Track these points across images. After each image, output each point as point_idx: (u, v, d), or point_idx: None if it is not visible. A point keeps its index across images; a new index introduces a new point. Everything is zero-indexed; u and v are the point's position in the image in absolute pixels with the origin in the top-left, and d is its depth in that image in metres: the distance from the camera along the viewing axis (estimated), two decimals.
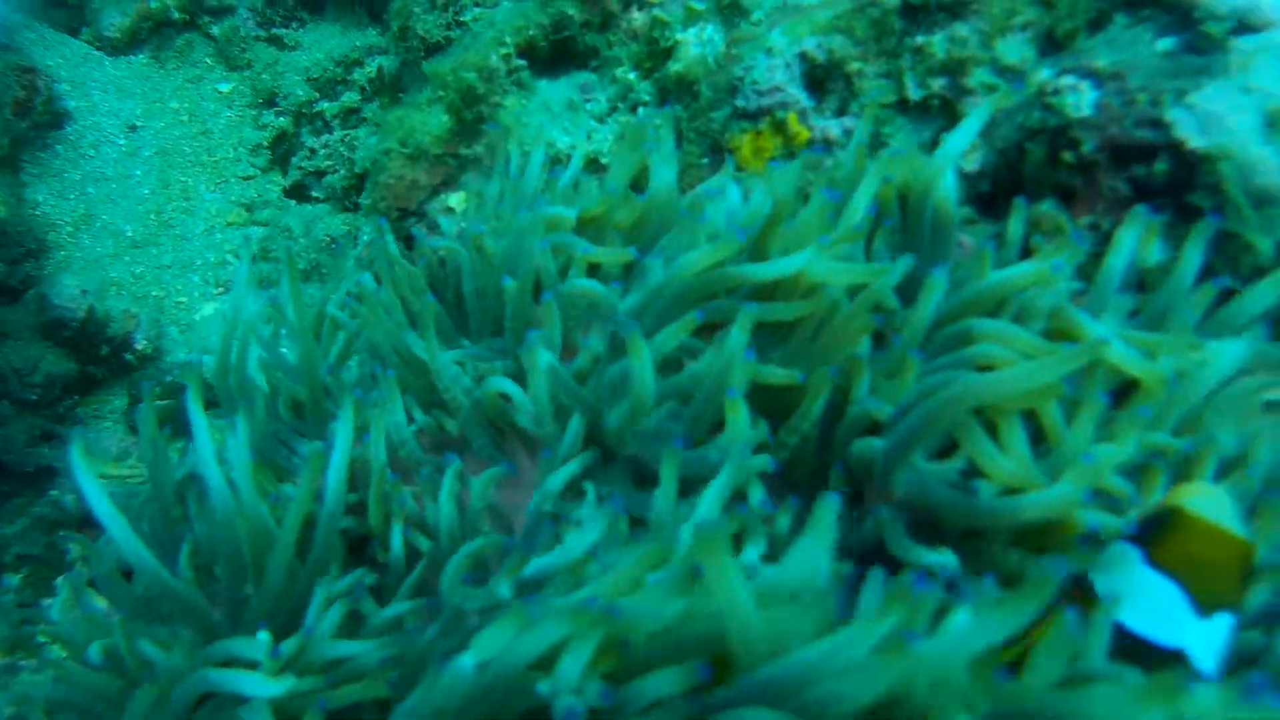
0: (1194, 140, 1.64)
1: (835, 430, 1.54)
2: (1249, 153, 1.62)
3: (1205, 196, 1.64)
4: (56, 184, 3.29)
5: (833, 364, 1.50)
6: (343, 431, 1.64)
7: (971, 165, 1.95)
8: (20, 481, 2.83)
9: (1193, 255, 1.55)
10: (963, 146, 1.72)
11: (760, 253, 1.67)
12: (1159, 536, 1.18)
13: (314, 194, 3.46)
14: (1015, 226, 1.71)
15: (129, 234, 3.29)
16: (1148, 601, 1.15)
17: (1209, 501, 1.18)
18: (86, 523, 2.82)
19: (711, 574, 0.97)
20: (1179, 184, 1.67)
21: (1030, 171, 1.82)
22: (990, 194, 1.93)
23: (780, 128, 2.13)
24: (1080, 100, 1.74)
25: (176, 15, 3.67)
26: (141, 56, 3.66)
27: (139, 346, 3.05)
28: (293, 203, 3.46)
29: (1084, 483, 1.24)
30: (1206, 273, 1.63)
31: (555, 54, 2.55)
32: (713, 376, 1.47)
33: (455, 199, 2.53)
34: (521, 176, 2.20)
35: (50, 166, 3.30)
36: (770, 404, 1.59)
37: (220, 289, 3.28)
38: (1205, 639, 1.14)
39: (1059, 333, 1.44)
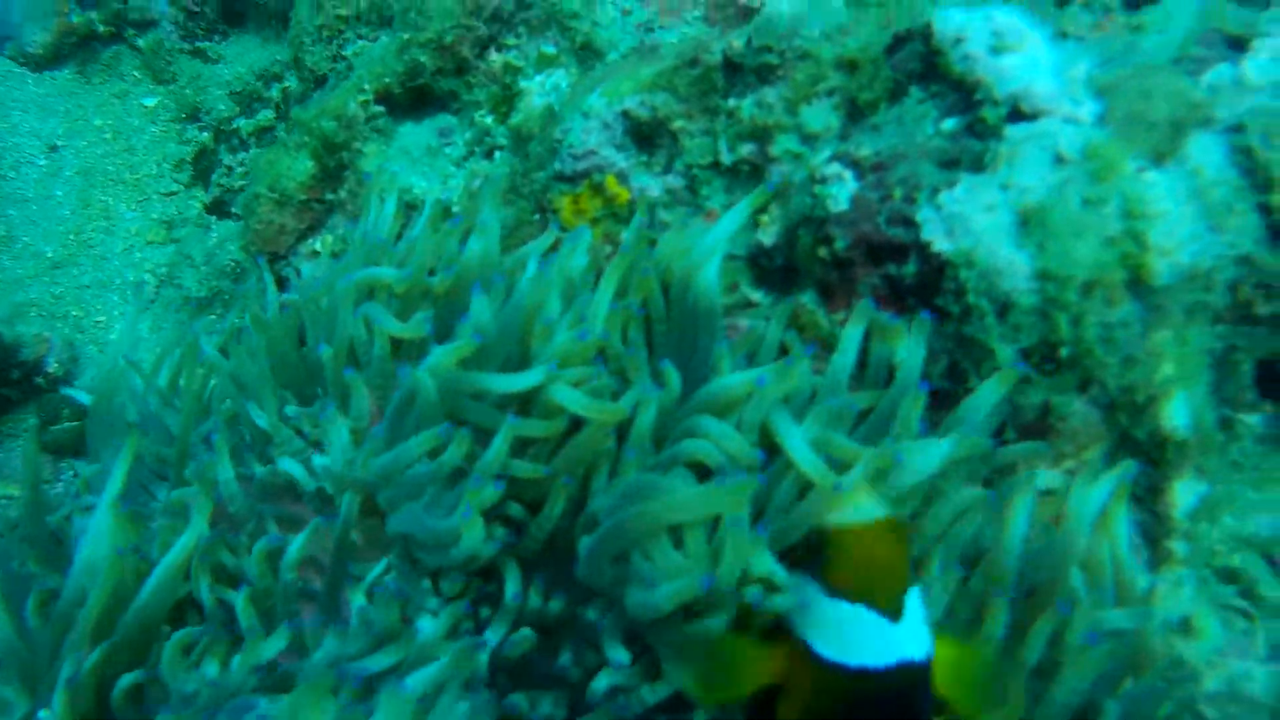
0: (939, 243, 1.65)
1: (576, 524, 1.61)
2: (996, 258, 1.62)
3: (951, 300, 1.65)
4: None
5: (573, 474, 1.58)
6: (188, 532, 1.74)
7: (768, 238, 1.96)
8: None
9: (913, 355, 1.58)
10: (725, 236, 1.75)
11: (525, 344, 1.74)
12: (824, 562, 1.24)
13: (234, 210, 3.53)
14: (774, 329, 1.74)
15: (49, 255, 3.40)
16: (848, 631, 1.21)
17: (850, 508, 1.24)
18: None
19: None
20: (929, 286, 1.68)
21: (799, 258, 1.84)
22: (785, 267, 1.95)
23: (599, 189, 2.16)
24: (840, 193, 1.75)
25: (102, 29, 3.74)
26: (66, 71, 3.74)
27: (50, 370, 3.17)
28: (214, 219, 3.54)
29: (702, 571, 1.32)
30: (951, 373, 1.65)
31: (415, 98, 2.58)
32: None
33: (320, 243, 2.59)
34: (372, 229, 2.26)
35: None
36: (530, 492, 1.68)
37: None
38: (913, 636, 1.19)
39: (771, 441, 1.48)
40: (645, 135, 2.20)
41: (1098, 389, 1.64)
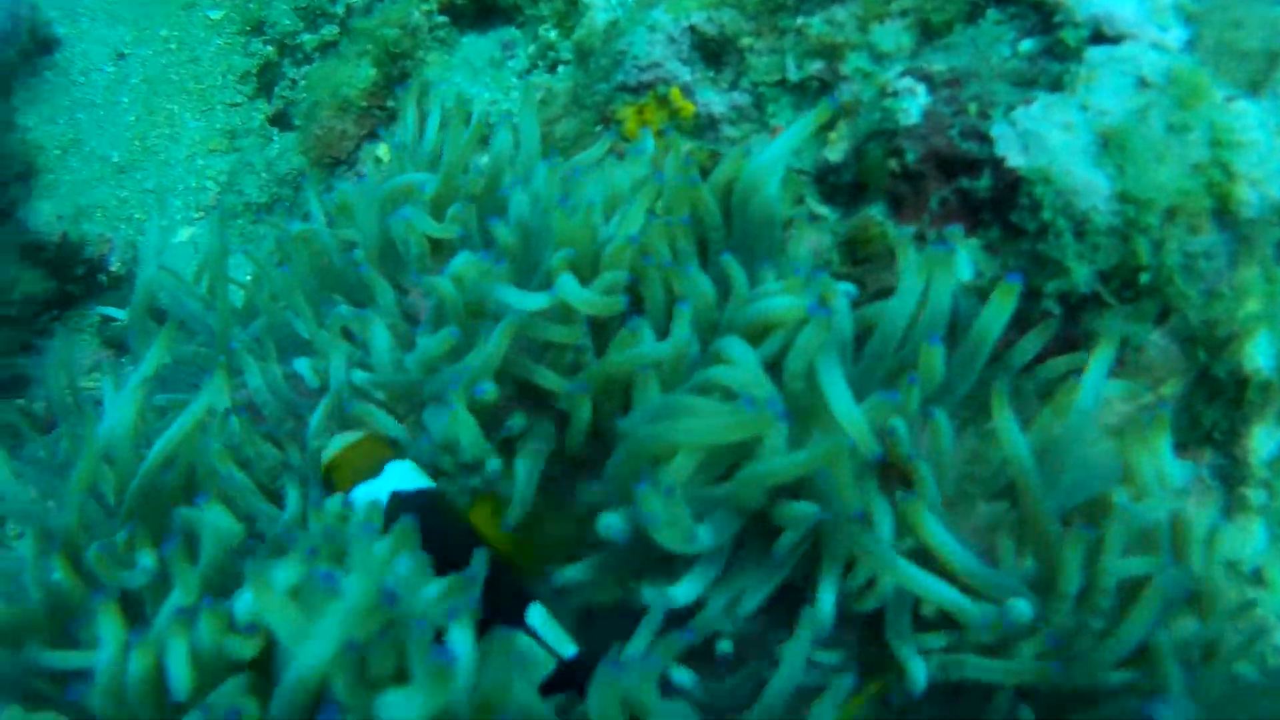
0: (1014, 158, 1.61)
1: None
2: (1073, 176, 1.58)
3: (1026, 217, 1.61)
4: (46, 109, 3.45)
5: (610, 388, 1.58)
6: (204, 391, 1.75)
7: (836, 155, 1.93)
8: None
9: (995, 320, 1.51)
10: (789, 147, 1.72)
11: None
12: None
13: (296, 123, 3.55)
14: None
15: (114, 159, 3.45)
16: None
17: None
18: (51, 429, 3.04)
19: None
20: (1003, 201, 1.64)
21: (868, 172, 1.81)
22: (854, 184, 1.92)
23: (663, 101, 2.13)
24: (911, 106, 1.71)
25: None
26: None
27: (113, 268, 3.23)
28: (275, 130, 3.57)
29: None
30: (1028, 294, 1.60)
31: (482, 9, 2.57)
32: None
33: (382, 149, 2.60)
34: (420, 138, 2.26)
35: (39, 93, 3.45)
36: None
37: (199, 213, 3.43)
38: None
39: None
40: (712, 51, 2.16)
41: (1178, 320, 1.59)
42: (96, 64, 3.53)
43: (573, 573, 1.48)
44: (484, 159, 2.10)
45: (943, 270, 1.50)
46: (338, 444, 1.65)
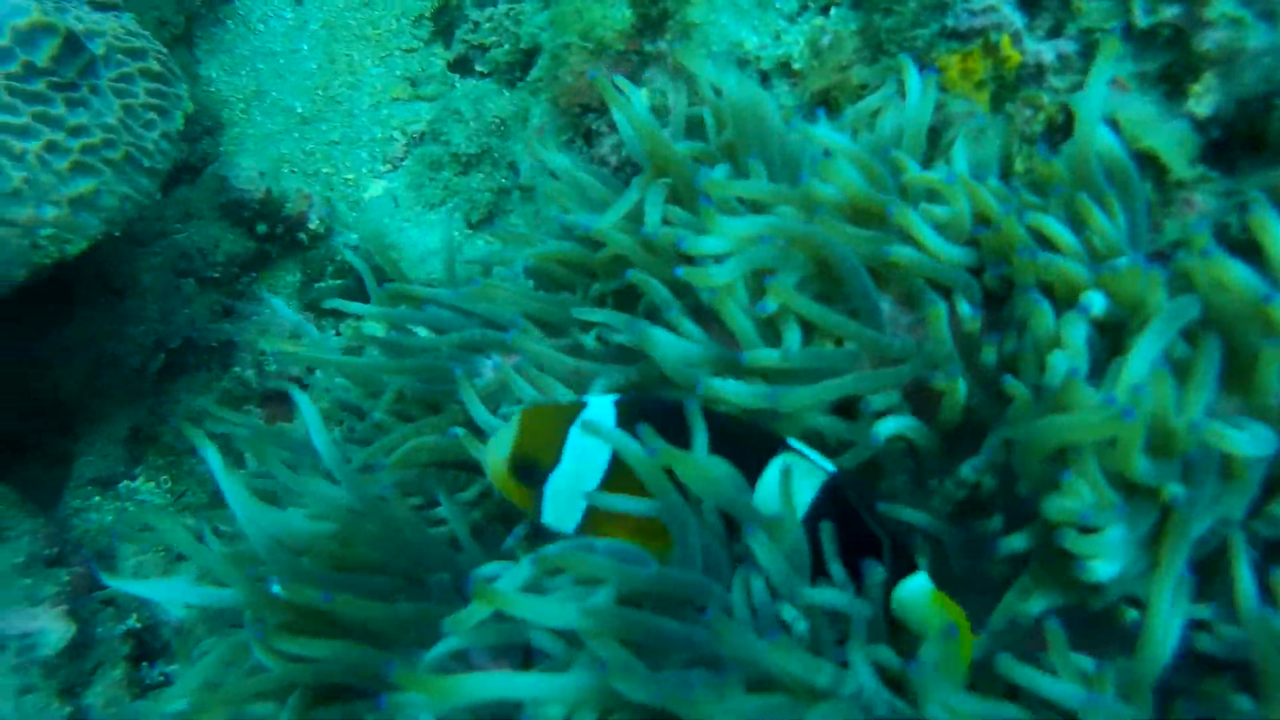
0: None
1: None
2: None
3: None
4: (227, 60, 3.32)
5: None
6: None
7: (1203, 109, 1.79)
8: (205, 354, 2.97)
9: None
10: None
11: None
12: None
13: (478, 68, 3.40)
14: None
15: (298, 110, 3.32)
16: None
17: None
18: (267, 399, 2.96)
19: None
20: None
21: (1276, 134, 1.67)
22: (1221, 141, 1.78)
23: (992, 50, 1.98)
24: None
25: None
26: None
27: (312, 225, 3.12)
28: (456, 77, 3.42)
29: None
30: None
31: None
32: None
33: (642, 94, 2.45)
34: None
35: (221, 42, 3.32)
36: None
37: (387, 165, 3.30)
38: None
39: None
40: None
41: None
42: (276, 9, 3.39)
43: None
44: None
45: None
46: (507, 435, 1.42)
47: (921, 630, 1.21)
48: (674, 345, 1.54)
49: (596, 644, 1.12)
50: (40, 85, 2.22)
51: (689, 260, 1.61)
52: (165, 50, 2.53)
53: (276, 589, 1.42)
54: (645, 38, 2.44)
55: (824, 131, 1.75)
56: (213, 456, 1.58)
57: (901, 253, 1.51)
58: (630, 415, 1.38)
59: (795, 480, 1.28)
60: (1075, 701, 1.03)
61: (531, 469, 1.39)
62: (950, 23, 2.01)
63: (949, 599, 1.25)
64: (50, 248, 2.15)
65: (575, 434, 1.38)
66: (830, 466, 1.36)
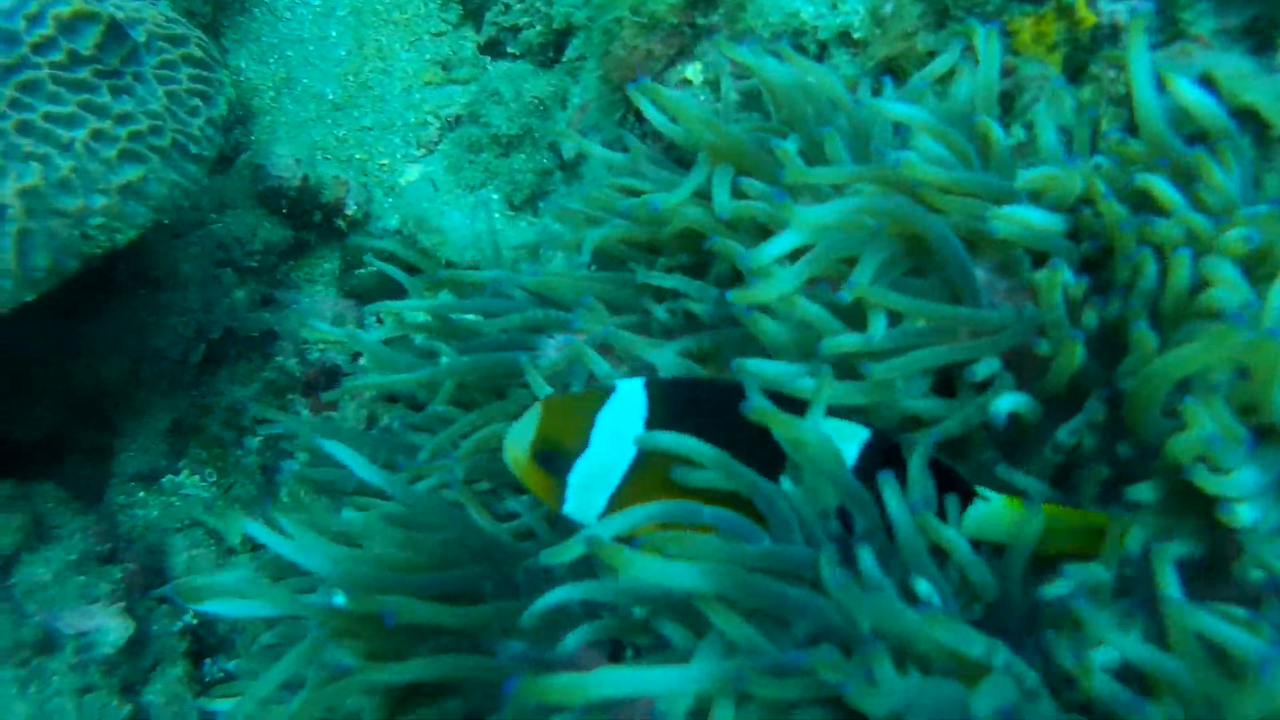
0: None
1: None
2: None
3: None
4: (256, 48, 3.27)
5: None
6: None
7: None
8: (246, 345, 2.92)
9: None
10: None
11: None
12: None
13: (510, 50, 3.35)
14: None
15: (329, 96, 3.27)
16: None
17: None
18: (311, 387, 2.92)
19: None
20: None
21: None
22: None
23: (1066, 11, 1.93)
24: None
25: None
26: None
27: (349, 212, 3.07)
28: (488, 59, 3.37)
29: None
30: None
31: None
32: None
33: (692, 70, 2.41)
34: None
35: (249, 31, 3.27)
36: None
37: (422, 150, 3.25)
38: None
39: None
40: None
41: None
42: None
43: None
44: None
45: None
46: (530, 422, 1.36)
47: (1011, 538, 1.19)
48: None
49: (720, 619, 1.08)
50: (85, 73, 2.17)
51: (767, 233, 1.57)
52: (205, 36, 2.47)
53: (339, 599, 1.37)
54: (698, 10, 2.38)
55: (898, 106, 1.70)
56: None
57: (1003, 228, 1.46)
58: (661, 397, 1.34)
59: (837, 442, 1.24)
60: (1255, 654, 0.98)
61: (556, 457, 1.33)
62: None
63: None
64: (100, 237, 2.10)
65: (604, 419, 1.32)
66: (866, 432, 1.33)
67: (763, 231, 1.68)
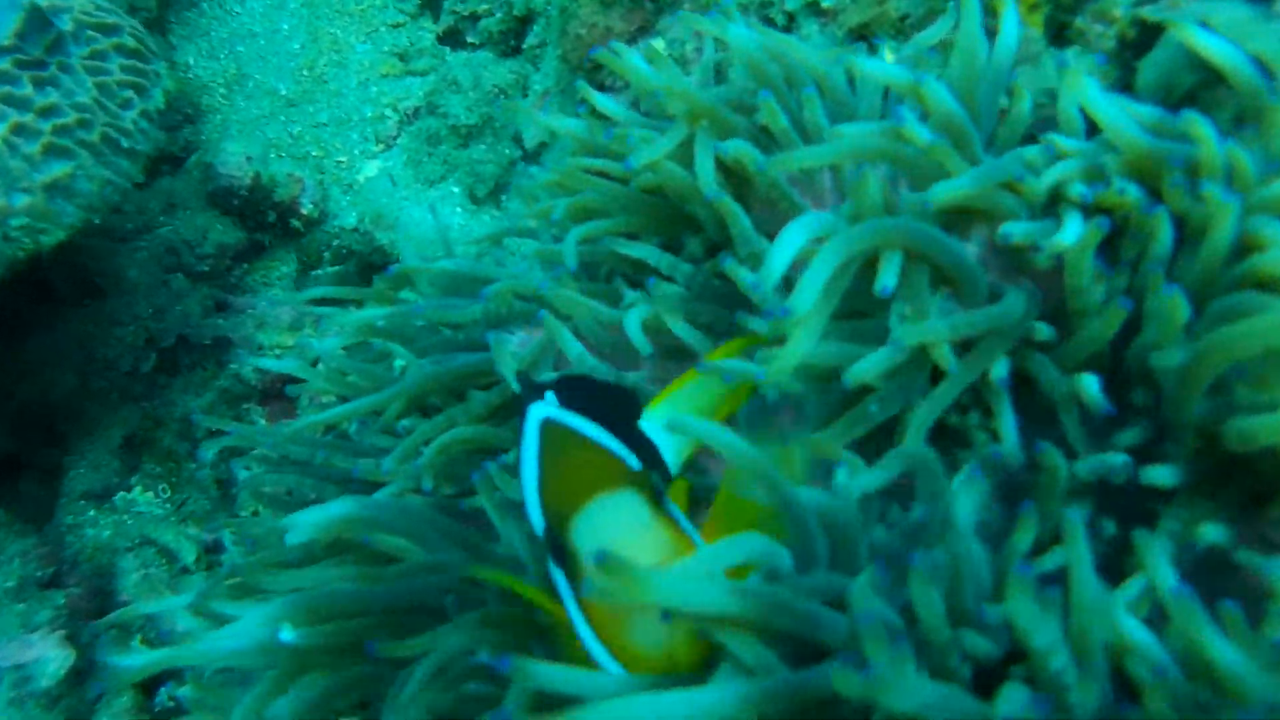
0: None
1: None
2: None
3: None
4: (205, 44, 3.13)
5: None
6: None
7: None
8: (199, 353, 2.79)
9: None
10: None
11: None
12: None
13: (470, 39, 3.22)
14: None
15: (283, 92, 3.13)
16: None
17: None
18: (267, 395, 2.78)
19: None
20: None
21: None
22: None
23: None
24: None
25: None
26: None
27: (305, 211, 2.94)
28: (447, 50, 3.24)
29: None
30: None
31: None
32: None
33: (659, 44, 2.28)
34: None
35: (197, 26, 3.13)
36: None
37: (380, 145, 3.12)
38: None
39: None
40: None
41: None
42: None
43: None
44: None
45: None
46: None
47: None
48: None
49: (735, 644, 0.94)
50: (5, 64, 2.03)
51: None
52: (140, 25, 2.34)
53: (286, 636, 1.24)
54: None
55: (881, 66, 1.55)
56: None
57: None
58: (570, 400, 1.27)
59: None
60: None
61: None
62: None
63: None
64: (24, 239, 1.97)
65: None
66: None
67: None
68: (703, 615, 0.92)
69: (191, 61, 3.11)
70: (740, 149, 1.49)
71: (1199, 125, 1.21)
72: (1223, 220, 1.16)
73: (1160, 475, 1.13)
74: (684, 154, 1.60)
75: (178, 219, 2.81)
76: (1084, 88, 1.36)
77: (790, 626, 0.93)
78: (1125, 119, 1.32)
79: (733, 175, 1.59)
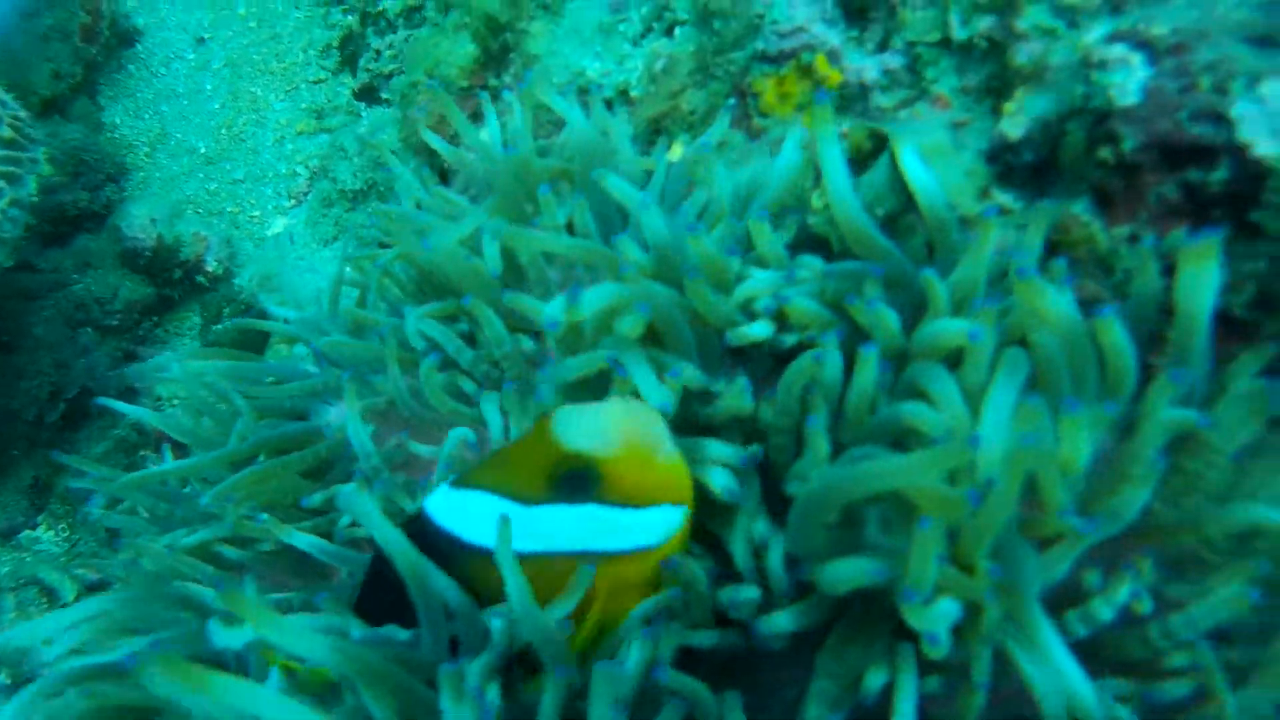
0: (1262, 145, 1.33)
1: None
2: None
3: (1272, 216, 1.34)
4: (131, 104, 3.32)
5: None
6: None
7: (1015, 131, 1.67)
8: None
9: (1202, 289, 1.27)
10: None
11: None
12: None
13: (384, 96, 3.36)
14: (1034, 236, 1.45)
15: (202, 150, 3.31)
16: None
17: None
18: (160, 444, 2.96)
19: None
20: (1241, 197, 1.37)
21: (1067, 159, 1.54)
22: (1035, 165, 1.66)
23: (807, 71, 1.88)
24: (1128, 81, 1.44)
25: None
26: None
27: (210, 268, 3.10)
28: (363, 105, 3.39)
29: None
30: (1259, 303, 1.36)
31: None
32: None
33: (485, 134, 2.40)
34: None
35: (124, 87, 3.32)
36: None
37: (292, 200, 3.28)
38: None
39: None
40: (857, 7, 1.91)
41: None
42: (178, 51, 3.38)
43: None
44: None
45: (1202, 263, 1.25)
46: None
47: None
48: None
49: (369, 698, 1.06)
50: None
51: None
52: (23, 113, 2.52)
53: None
54: (489, 71, 2.38)
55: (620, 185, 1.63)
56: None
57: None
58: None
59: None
60: None
61: None
62: (761, 46, 1.92)
63: None
64: None
65: None
66: None
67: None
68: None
69: (119, 121, 3.31)
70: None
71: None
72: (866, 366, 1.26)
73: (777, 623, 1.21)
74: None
75: (90, 277, 3.00)
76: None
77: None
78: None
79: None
